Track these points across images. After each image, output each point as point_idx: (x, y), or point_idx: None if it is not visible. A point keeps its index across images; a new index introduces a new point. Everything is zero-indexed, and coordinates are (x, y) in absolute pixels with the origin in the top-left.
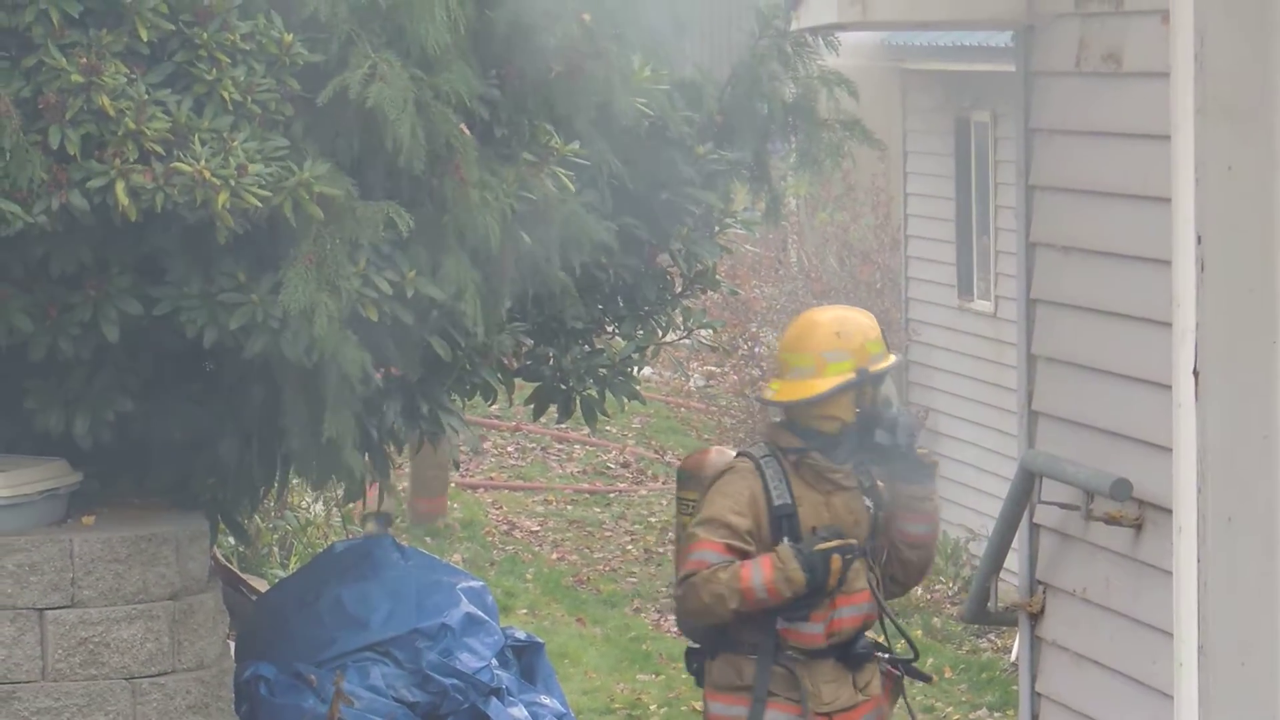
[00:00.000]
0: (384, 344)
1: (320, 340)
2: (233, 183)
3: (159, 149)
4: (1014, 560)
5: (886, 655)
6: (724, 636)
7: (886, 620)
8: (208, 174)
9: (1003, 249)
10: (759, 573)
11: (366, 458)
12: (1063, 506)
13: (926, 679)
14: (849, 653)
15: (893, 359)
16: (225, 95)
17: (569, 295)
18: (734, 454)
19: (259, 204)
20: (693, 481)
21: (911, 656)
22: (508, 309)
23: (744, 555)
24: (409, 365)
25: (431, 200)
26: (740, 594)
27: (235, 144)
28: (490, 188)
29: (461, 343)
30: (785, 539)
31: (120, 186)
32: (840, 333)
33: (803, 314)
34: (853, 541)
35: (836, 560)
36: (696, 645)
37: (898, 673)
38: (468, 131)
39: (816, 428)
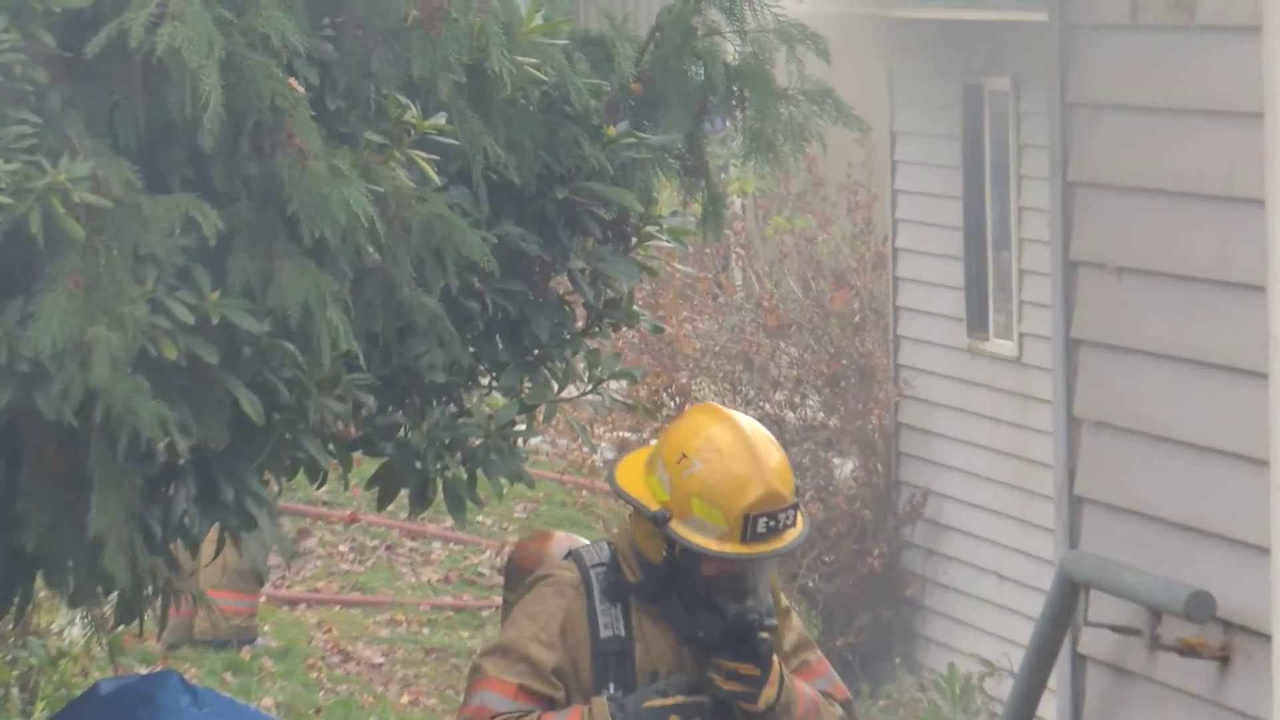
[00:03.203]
0: (175, 398)
1: (104, 390)
2: None
3: None
4: (1050, 705)
5: None
6: None
7: None
8: None
9: (1029, 268)
10: None
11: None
12: (1118, 630)
13: None
14: None
15: (707, 544)
16: None
17: (428, 333)
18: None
19: None
20: (524, 580)
21: None
22: (342, 353)
23: (548, 702)
24: (212, 429)
25: (250, 186)
26: None
27: None
28: (338, 159)
29: (283, 394)
30: (610, 685)
31: None
32: (687, 456)
33: (714, 408)
34: (703, 700)
35: None
36: None
37: None
38: (299, 87)
39: (641, 545)
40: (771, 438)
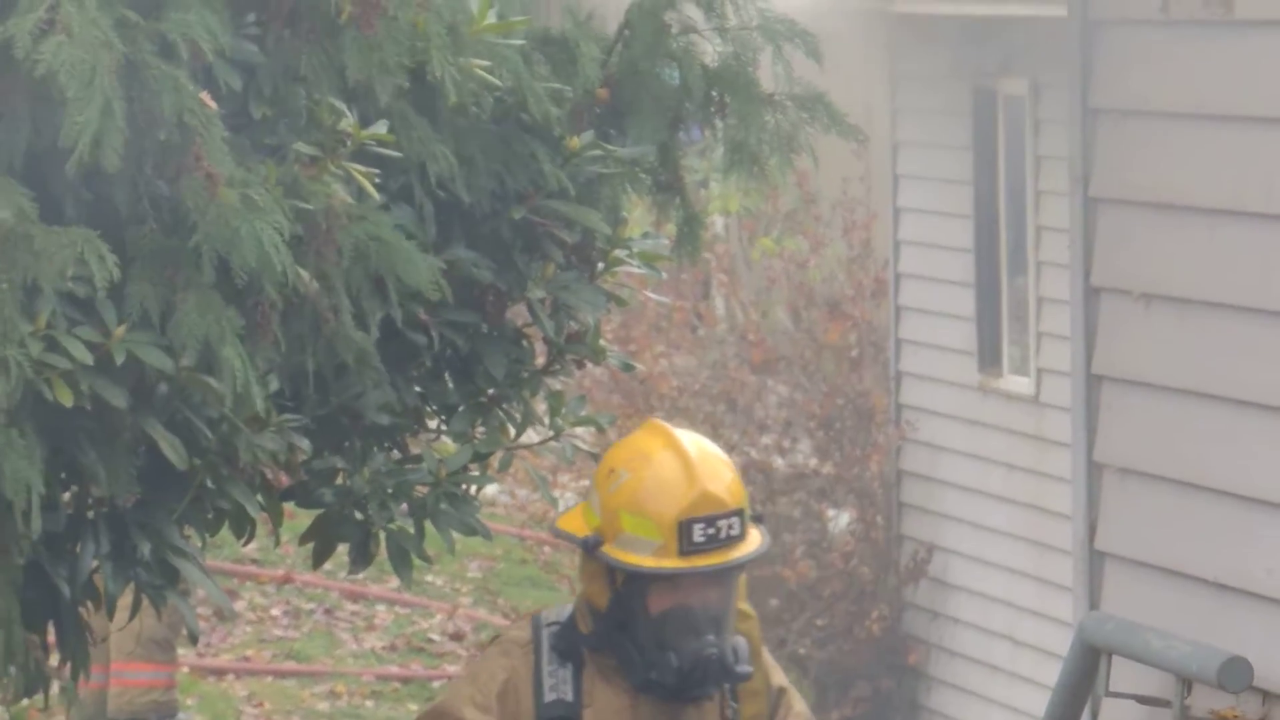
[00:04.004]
0: (81, 443)
1: None
2: None
3: None
4: None
5: None
6: None
7: None
8: None
9: (1049, 295)
10: None
11: (49, 632)
12: (1144, 701)
13: None
14: None
15: (643, 561)
16: None
17: (368, 370)
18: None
19: None
20: None
21: None
22: (273, 392)
23: None
24: (119, 480)
25: (158, 207)
26: None
27: None
28: (253, 186)
29: (206, 436)
30: None
31: None
32: (615, 471)
33: (655, 424)
34: None
35: None
36: None
37: None
38: (212, 103)
39: (589, 592)
40: (720, 453)
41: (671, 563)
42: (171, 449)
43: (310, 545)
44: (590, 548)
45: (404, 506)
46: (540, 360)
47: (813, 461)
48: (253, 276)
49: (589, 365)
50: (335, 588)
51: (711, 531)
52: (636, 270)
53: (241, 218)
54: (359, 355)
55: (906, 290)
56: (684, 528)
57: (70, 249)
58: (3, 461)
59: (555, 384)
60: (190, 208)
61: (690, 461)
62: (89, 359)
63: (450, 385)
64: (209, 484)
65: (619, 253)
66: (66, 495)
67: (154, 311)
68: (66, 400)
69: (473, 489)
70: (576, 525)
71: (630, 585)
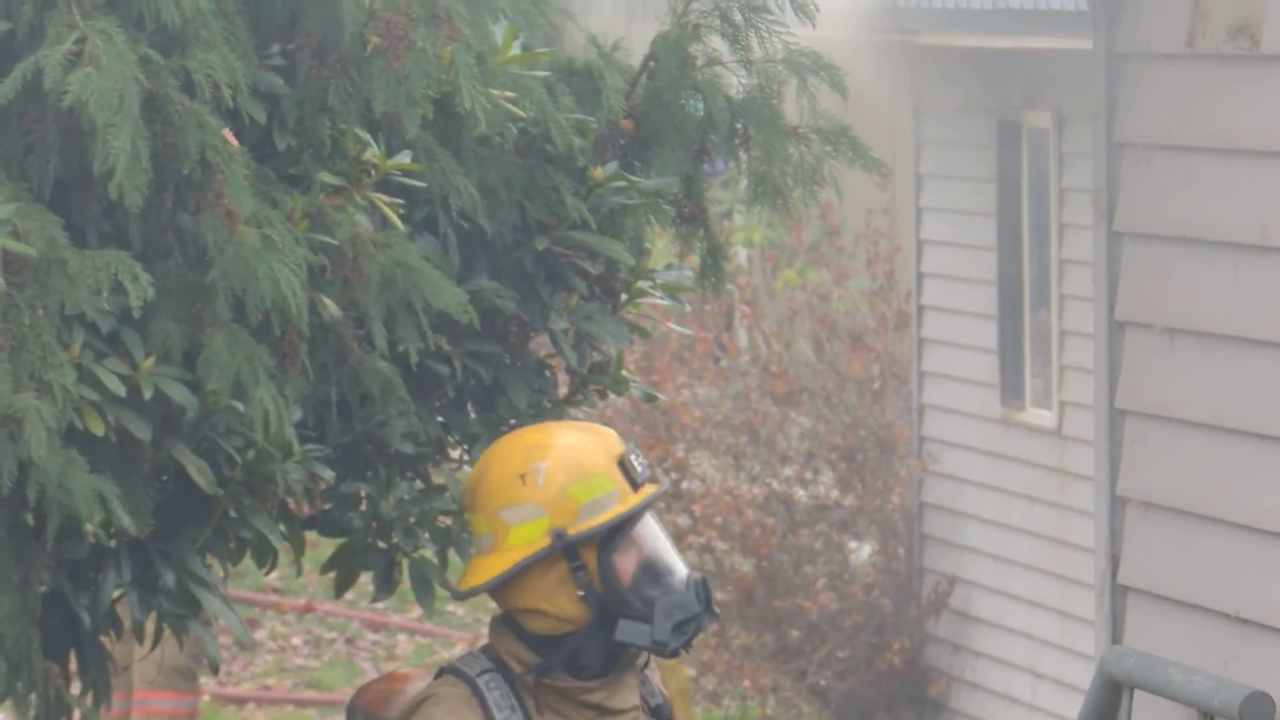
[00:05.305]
0: (104, 473)
1: (38, 466)
2: None
3: None
4: None
5: None
6: None
7: None
8: None
9: (1072, 328)
10: None
11: (71, 660)
12: None
13: None
14: None
15: (616, 511)
16: None
17: (393, 399)
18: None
19: None
20: None
21: None
22: (296, 421)
23: None
24: (137, 512)
25: (183, 241)
26: None
27: None
28: (274, 224)
29: (236, 462)
30: None
31: None
32: (526, 473)
33: (499, 439)
34: None
35: None
36: None
37: None
38: (234, 140)
39: (532, 629)
40: None
41: (634, 498)
42: (200, 474)
43: (332, 574)
44: (563, 542)
45: (426, 535)
46: (563, 390)
47: (834, 493)
48: (268, 314)
49: (611, 396)
50: (357, 617)
51: (644, 460)
52: (660, 301)
53: (259, 257)
54: (384, 385)
55: (929, 322)
56: (625, 463)
57: (104, 271)
58: (70, 480)
59: (578, 414)
60: (209, 244)
61: (578, 424)
62: (121, 391)
63: (473, 415)
64: (232, 513)
65: (642, 284)
66: (89, 524)
67: (176, 350)
68: (98, 430)
69: None
70: (512, 555)
71: (604, 569)
